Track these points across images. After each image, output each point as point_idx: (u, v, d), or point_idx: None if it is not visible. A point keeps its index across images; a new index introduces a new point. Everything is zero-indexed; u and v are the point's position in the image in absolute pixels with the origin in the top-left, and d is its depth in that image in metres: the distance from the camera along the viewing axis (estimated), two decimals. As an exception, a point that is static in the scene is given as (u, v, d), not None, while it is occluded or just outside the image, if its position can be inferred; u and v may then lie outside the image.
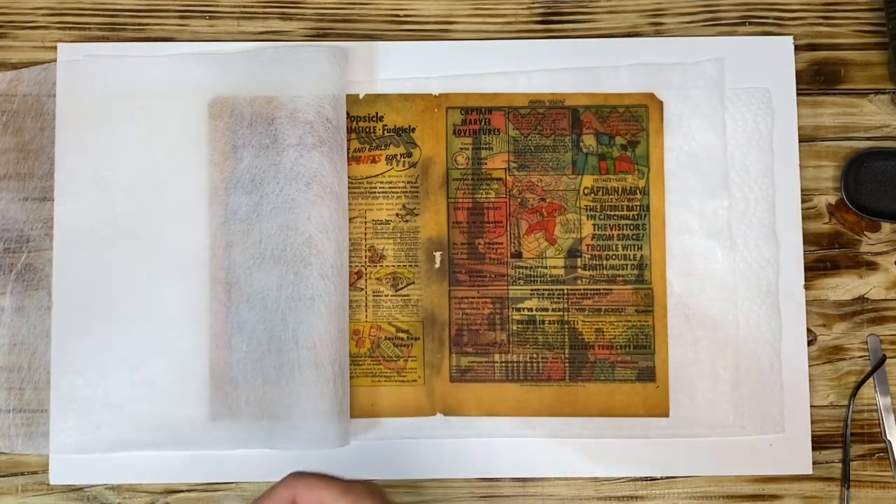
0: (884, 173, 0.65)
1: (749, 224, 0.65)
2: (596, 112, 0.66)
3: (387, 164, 0.66)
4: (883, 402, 0.65)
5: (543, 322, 0.65)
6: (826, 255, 0.66)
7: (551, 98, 0.66)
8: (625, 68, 0.66)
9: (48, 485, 0.64)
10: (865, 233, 0.66)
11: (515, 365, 0.65)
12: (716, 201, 0.65)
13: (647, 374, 0.65)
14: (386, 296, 0.65)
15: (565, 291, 0.65)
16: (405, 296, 0.65)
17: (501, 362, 0.65)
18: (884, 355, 0.65)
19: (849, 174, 0.65)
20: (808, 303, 0.65)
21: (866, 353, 0.66)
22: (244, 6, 0.68)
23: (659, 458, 0.64)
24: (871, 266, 0.66)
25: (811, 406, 0.65)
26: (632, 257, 0.65)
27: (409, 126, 0.66)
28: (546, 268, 0.65)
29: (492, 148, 0.66)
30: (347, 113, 0.66)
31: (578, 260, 0.65)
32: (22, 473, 0.65)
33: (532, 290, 0.65)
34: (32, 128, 0.66)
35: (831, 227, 0.66)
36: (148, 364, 0.64)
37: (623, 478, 0.65)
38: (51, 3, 0.68)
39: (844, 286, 0.66)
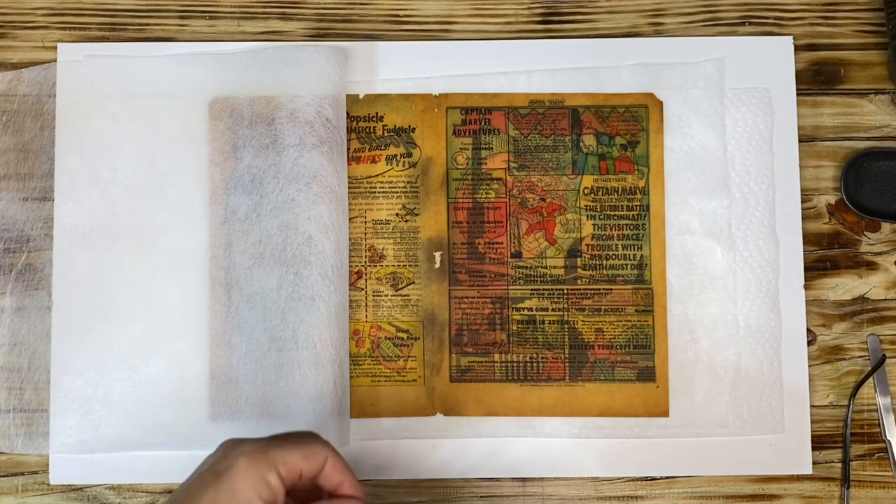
0: (884, 173, 0.65)
1: (749, 224, 0.65)
2: (596, 112, 0.66)
3: (387, 164, 0.66)
4: (883, 402, 0.65)
5: (543, 322, 0.65)
6: (826, 255, 0.66)
7: (551, 98, 0.66)
8: (625, 68, 0.66)
9: (48, 485, 0.64)
10: (865, 233, 0.66)
11: (515, 365, 0.65)
12: (716, 201, 0.65)
13: (647, 374, 0.65)
14: (386, 296, 0.65)
15: (565, 291, 0.65)
16: (405, 296, 0.65)
17: (501, 362, 0.65)
18: (884, 355, 0.65)
19: (849, 174, 0.65)
20: (808, 303, 0.65)
21: (866, 353, 0.66)
22: (244, 6, 0.68)
23: (659, 458, 0.64)
24: (871, 266, 0.66)
25: (811, 406, 0.65)
26: (632, 257, 0.65)
27: (409, 126, 0.66)
28: (546, 268, 0.65)
29: (492, 148, 0.66)
30: (347, 113, 0.66)
31: (578, 260, 0.65)
32: (22, 473, 0.65)
33: (532, 289, 0.65)
34: (32, 128, 0.66)
35: (831, 227, 0.66)
36: (148, 364, 0.64)
37: (623, 478, 0.65)
38: (51, 3, 0.68)
39: (844, 286, 0.66)
